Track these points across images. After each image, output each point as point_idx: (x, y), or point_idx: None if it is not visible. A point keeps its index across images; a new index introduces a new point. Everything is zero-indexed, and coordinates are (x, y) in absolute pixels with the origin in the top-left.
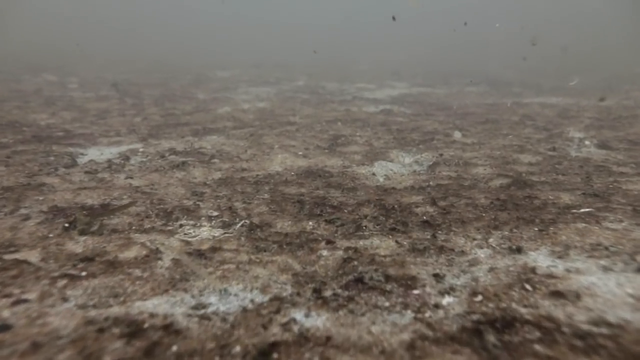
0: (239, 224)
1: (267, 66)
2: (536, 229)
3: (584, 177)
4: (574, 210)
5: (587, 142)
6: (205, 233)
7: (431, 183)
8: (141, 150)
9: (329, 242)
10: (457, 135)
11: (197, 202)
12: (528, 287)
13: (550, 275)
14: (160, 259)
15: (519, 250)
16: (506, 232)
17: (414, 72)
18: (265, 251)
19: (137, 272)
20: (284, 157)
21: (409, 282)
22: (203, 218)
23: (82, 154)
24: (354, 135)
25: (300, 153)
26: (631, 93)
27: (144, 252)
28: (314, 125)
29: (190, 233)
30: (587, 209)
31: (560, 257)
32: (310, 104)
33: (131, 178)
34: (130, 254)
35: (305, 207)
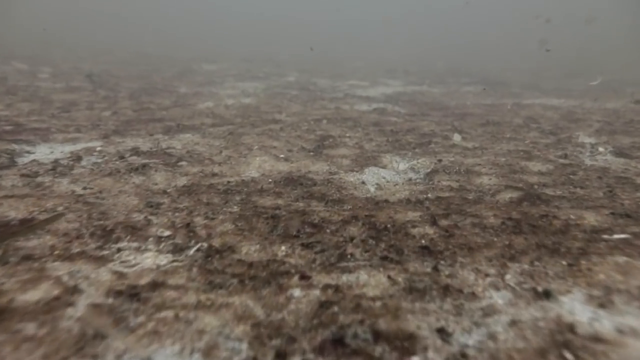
0: (194, 248)
1: (259, 60)
2: (564, 262)
3: (606, 192)
4: (606, 236)
5: (601, 149)
6: (148, 261)
7: (430, 195)
8: (99, 149)
9: (303, 276)
10: (457, 138)
11: (149, 217)
12: (569, 356)
13: (596, 338)
14: (73, 303)
15: (546, 294)
16: (526, 266)
17: (409, 70)
18: (220, 288)
19: (31, 327)
20: (262, 161)
21: (406, 343)
22: (151, 239)
23: (27, 152)
24: (343, 136)
25: (281, 156)
26: (637, 96)
27: (55, 292)
28: (300, 124)
29: (128, 261)
30: (622, 235)
31: (602, 307)
32: (299, 100)
33: (76, 183)
34: (34, 294)
35: (279, 226)
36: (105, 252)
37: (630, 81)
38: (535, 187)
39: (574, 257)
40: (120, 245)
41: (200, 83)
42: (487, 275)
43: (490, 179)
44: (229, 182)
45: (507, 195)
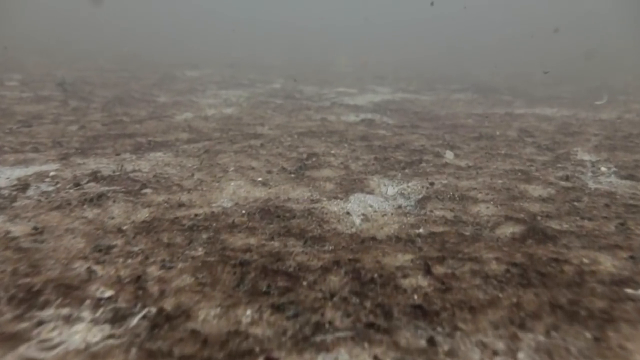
0: (139, 315)
1: (244, 66)
2: (587, 334)
3: (617, 225)
4: (630, 291)
5: (603, 169)
6: (76, 337)
7: (422, 230)
8: (53, 173)
9: (269, 358)
10: (449, 155)
11: (93, 267)
12: None
13: None
14: None
15: None
16: (541, 337)
17: (398, 75)
18: None
19: None
20: (237, 186)
21: None
22: (87, 303)
23: None
24: (328, 153)
25: (259, 179)
26: (631, 105)
27: None
28: (283, 139)
29: (50, 339)
30: None
31: None
32: (284, 110)
33: (14, 221)
34: None
35: (247, 277)
36: (22, 326)
37: (620, 89)
38: (539, 218)
39: (599, 326)
40: (45, 314)
41: (181, 91)
42: (495, 353)
43: (487, 208)
44: (196, 215)
45: (508, 230)
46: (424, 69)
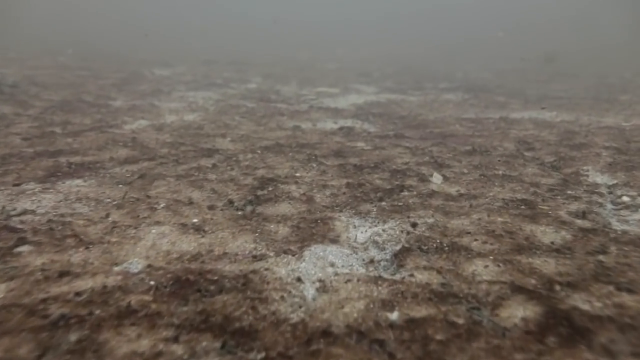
0: None
1: (221, 63)
2: None
3: None
4: None
5: (625, 198)
6: None
7: (396, 317)
8: None
9: None
10: (436, 179)
11: None
12: None
13: None
14: None
15: None
16: None
17: (385, 72)
18: None
19: None
20: (161, 234)
21: None
22: None
23: None
24: (291, 178)
25: (194, 221)
26: (636, 107)
27: None
28: (242, 156)
29: None
30: None
31: None
32: (254, 116)
33: None
34: None
35: None
36: None
37: (620, 87)
38: (557, 289)
39: None
40: None
41: (143, 93)
42: None
43: (486, 267)
44: (78, 293)
45: (517, 313)
46: (413, 64)
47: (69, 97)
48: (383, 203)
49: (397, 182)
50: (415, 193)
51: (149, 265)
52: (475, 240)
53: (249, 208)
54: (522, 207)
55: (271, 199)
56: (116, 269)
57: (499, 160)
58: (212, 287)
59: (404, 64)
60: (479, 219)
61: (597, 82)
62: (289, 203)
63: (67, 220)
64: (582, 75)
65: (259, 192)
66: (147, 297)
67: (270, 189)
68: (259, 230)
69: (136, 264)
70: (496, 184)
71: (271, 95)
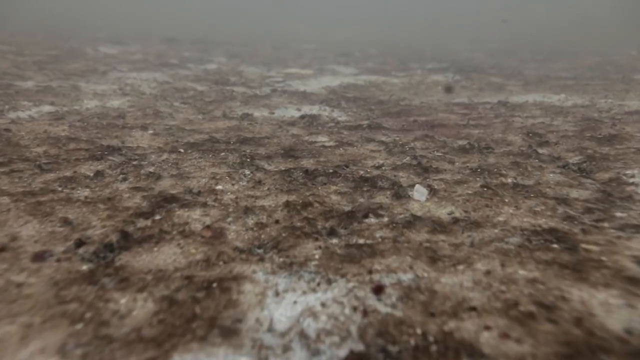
0: None
1: (184, 42)
2: None
3: None
4: None
5: None
6: None
7: None
8: None
9: None
10: (420, 194)
11: None
12: None
13: None
14: None
15: None
16: None
17: (367, 52)
18: None
19: None
20: None
21: None
22: None
23: None
24: (205, 193)
25: None
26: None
27: None
28: (153, 158)
29: None
30: None
31: None
32: (199, 102)
33: None
34: None
35: None
36: None
37: (628, 66)
38: None
39: None
40: None
41: (72, 72)
42: None
43: None
44: None
45: None
46: (399, 44)
47: None
48: (334, 241)
49: (361, 200)
50: (386, 220)
51: None
52: (487, 328)
53: (104, 258)
54: (554, 245)
55: (152, 236)
56: None
57: (505, 161)
58: None
59: (389, 44)
60: (488, 272)
61: (600, 60)
62: (179, 245)
63: None
64: (581, 53)
65: (140, 224)
66: None
67: (159, 216)
68: (88, 315)
69: None
70: (506, 200)
71: (230, 77)
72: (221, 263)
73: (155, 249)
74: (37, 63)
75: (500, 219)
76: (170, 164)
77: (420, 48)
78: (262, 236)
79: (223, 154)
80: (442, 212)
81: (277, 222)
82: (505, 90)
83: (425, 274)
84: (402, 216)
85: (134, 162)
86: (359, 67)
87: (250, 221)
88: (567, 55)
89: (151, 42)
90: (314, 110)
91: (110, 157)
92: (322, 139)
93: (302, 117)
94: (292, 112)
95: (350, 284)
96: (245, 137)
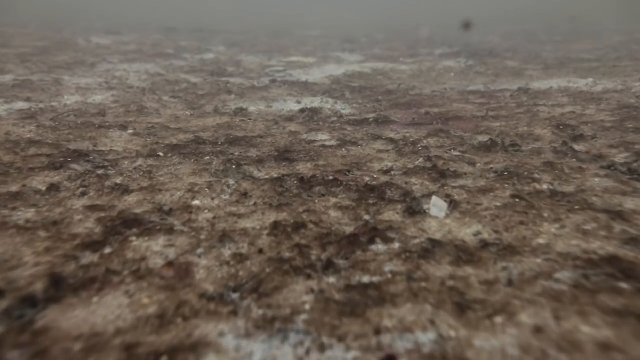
0: None
1: (184, 31)
2: None
3: None
4: None
5: None
6: None
7: None
8: None
9: None
10: (438, 208)
11: None
12: None
13: None
14: None
15: None
16: None
17: (374, 38)
18: None
19: None
20: None
21: None
22: None
23: None
24: (178, 211)
25: None
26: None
27: None
28: (125, 166)
29: None
30: None
31: None
32: (191, 96)
33: None
34: None
35: None
36: None
37: None
38: None
39: None
40: None
41: (56, 65)
42: None
43: None
44: None
45: None
46: (405, 29)
47: None
48: (331, 280)
49: (366, 217)
50: (397, 247)
51: None
52: None
53: (20, 317)
54: (622, 284)
55: (94, 280)
56: None
57: (536, 161)
58: None
59: (396, 29)
60: (538, 329)
61: (624, 39)
62: (128, 293)
63: None
64: (603, 32)
65: (84, 259)
66: None
67: (111, 249)
68: None
69: None
70: (545, 214)
71: (228, 68)
72: (179, 320)
73: (96, 299)
74: (21, 55)
75: (541, 241)
76: (142, 173)
77: (431, 32)
78: (241, 273)
79: (208, 157)
80: (467, 232)
81: (260, 252)
82: (524, 75)
83: (453, 333)
84: (417, 241)
85: (100, 172)
86: (365, 54)
87: (227, 252)
88: (587, 36)
89: (149, 32)
90: (316, 102)
91: (73, 165)
92: (323, 137)
93: (302, 110)
94: (291, 106)
95: (351, 354)
96: (235, 137)
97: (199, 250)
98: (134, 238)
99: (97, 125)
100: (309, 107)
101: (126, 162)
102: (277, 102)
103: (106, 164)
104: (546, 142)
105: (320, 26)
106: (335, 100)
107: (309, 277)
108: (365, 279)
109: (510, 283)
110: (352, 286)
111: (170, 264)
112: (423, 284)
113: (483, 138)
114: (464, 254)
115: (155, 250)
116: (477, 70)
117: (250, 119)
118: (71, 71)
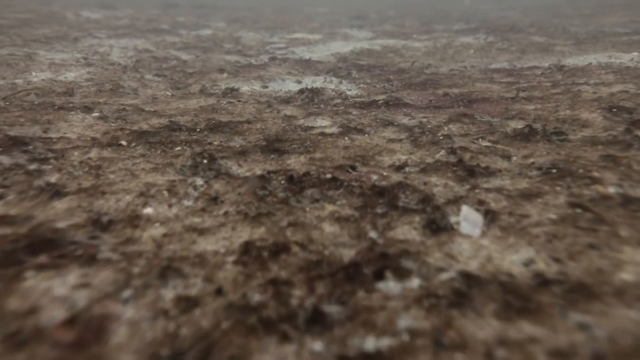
0: None
1: (185, 6)
2: None
3: None
4: None
5: None
6: None
7: None
8: None
9: None
10: (470, 224)
11: None
12: None
13: None
14: None
15: None
16: None
17: (385, 14)
18: None
19: None
20: None
21: None
22: None
23: None
24: (125, 224)
25: None
26: None
27: None
28: (73, 158)
29: None
30: None
31: None
32: (178, 74)
33: None
34: None
35: None
36: None
37: None
38: None
39: None
40: None
41: (36, 38)
42: None
43: None
44: None
45: None
46: (419, 5)
47: None
48: (317, 347)
49: (372, 234)
50: (416, 286)
51: None
52: None
53: None
54: None
55: None
56: None
57: (591, 154)
58: None
59: (408, 7)
60: None
61: None
62: None
63: None
64: (637, 5)
65: None
66: None
67: None
68: None
69: None
70: (622, 233)
71: (225, 44)
72: None
73: None
74: (11, 26)
75: (626, 277)
76: (89, 168)
77: (445, 7)
78: (182, 332)
79: (179, 148)
80: (514, 260)
81: (219, 292)
82: (553, 51)
83: None
84: (445, 276)
85: (32, 166)
86: (375, 30)
87: (169, 294)
88: (619, 8)
89: (145, 7)
90: (318, 82)
91: (0, 157)
92: (323, 122)
93: (301, 91)
94: (289, 86)
95: None
96: (218, 122)
97: (126, 293)
98: (31, 273)
99: (57, 107)
100: (309, 87)
101: (76, 153)
102: (274, 81)
103: (48, 155)
104: (598, 128)
105: (330, 3)
106: (340, 79)
107: (284, 337)
108: (369, 344)
109: (597, 357)
110: (349, 358)
111: (72, 321)
112: (459, 356)
113: (517, 124)
114: (514, 298)
115: (58, 294)
116: (499, 47)
117: (239, 101)
118: (49, 45)
